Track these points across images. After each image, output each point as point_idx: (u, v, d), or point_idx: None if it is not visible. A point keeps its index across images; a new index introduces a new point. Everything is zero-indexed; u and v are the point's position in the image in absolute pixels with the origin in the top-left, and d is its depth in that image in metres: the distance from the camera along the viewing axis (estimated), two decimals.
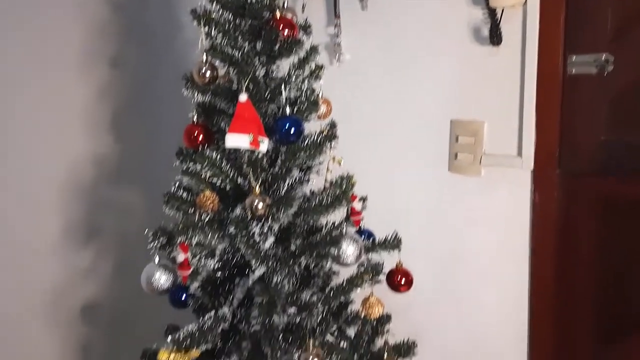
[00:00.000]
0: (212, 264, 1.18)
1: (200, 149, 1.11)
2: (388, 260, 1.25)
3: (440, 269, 1.56)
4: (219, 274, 1.19)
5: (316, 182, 1.21)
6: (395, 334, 1.31)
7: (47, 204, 1.58)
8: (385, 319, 1.27)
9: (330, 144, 1.15)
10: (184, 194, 1.14)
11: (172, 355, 1.04)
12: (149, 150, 1.73)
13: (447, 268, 1.55)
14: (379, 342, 1.28)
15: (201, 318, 1.10)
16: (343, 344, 1.22)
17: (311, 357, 1.05)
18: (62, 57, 1.57)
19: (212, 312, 1.13)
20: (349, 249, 1.12)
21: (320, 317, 1.13)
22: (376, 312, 1.17)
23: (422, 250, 1.54)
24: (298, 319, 1.09)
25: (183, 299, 1.23)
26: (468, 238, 1.52)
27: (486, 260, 1.50)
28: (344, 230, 1.14)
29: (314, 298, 1.10)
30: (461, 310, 1.55)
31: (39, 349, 1.59)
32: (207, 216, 1.11)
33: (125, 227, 1.70)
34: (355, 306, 1.30)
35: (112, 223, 1.69)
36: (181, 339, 1.05)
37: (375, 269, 1.19)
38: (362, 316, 1.26)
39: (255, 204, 1.07)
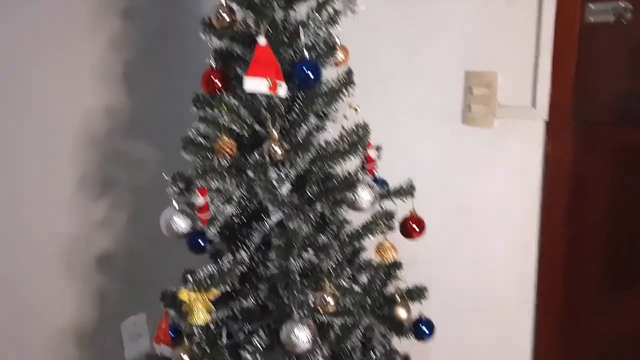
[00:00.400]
0: (229, 209, 1.20)
1: (218, 94, 1.11)
2: (400, 210, 1.28)
3: (451, 221, 1.58)
4: (236, 219, 1.22)
5: (332, 130, 1.22)
6: (405, 282, 1.34)
7: (61, 156, 1.59)
8: (397, 265, 1.29)
9: (347, 91, 1.16)
10: (202, 140, 1.16)
11: (193, 294, 1.07)
12: (162, 101, 1.74)
13: (457, 219, 1.58)
14: (391, 288, 1.31)
15: (220, 261, 1.13)
16: (356, 288, 1.25)
17: (327, 296, 1.08)
18: (73, 6, 1.55)
19: (230, 256, 1.16)
20: (364, 194, 1.14)
21: (335, 260, 1.15)
22: (390, 256, 1.20)
23: (432, 202, 1.56)
24: (315, 261, 1.12)
25: (201, 244, 1.27)
26: (479, 190, 1.53)
27: (497, 212, 1.52)
28: (360, 176, 1.16)
29: (331, 241, 1.13)
30: (470, 260, 1.58)
31: (57, 298, 1.63)
32: (225, 162, 1.12)
33: (139, 178, 1.72)
34: (367, 255, 1.33)
35: (126, 174, 1.70)
36: (201, 279, 1.08)
37: (389, 215, 1.21)
38: (375, 264, 1.30)
39: (273, 149, 1.08)
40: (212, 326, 1.18)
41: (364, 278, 1.31)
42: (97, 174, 1.66)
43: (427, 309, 1.30)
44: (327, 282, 1.09)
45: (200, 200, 1.10)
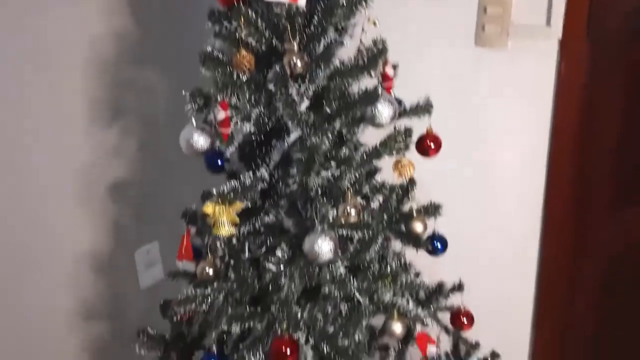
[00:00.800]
0: (248, 127, 1.20)
1: (235, 5, 1.09)
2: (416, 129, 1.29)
3: (461, 142, 1.59)
4: (255, 137, 1.22)
5: (350, 46, 1.21)
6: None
7: (69, 82, 1.57)
8: (413, 182, 1.31)
9: (366, 3, 1.14)
10: (220, 55, 1.14)
11: (217, 207, 1.09)
12: (172, 27, 1.70)
13: (468, 141, 1.59)
14: (406, 206, 1.34)
15: (241, 176, 1.14)
16: (373, 205, 1.28)
17: (349, 207, 1.11)
18: None
19: (250, 173, 1.17)
20: (384, 109, 1.15)
21: (356, 175, 1.17)
22: (408, 172, 1.22)
23: (444, 123, 1.57)
24: (335, 176, 1.13)
25: (220, 163, 1.28)
26: (490, 111, 1.54)
27: (507, 132, 1.54)
28: (380, 91, 1.16)
29: (352, 152, 1.14)
30: (479, 182, 1.62)
31: (71, 226, 1.65)
32: (244, 76, 1.11)
33: (148, 107, 1.71)
34: (383, 176, 1.35)
35: (136, 102, 1.69)
36: (225, 192, 1.09)
37: (408, 131, 1.22)
38: (390, 185, 1.32)
39: (294, 61, 1.07)
40: (234, 241, 1.20)
41: (380, 197, 1.34)
42: (107, 101, 1.64)
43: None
44: (349, 194, 1.11)
45: (221, 114, 1.10)
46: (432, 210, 1.30)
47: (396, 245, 1.37)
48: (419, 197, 1.36)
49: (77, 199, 1.64)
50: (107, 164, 1.68)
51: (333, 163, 1.12)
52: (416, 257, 1.36)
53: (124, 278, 1.79)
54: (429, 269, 1.41)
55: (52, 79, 1.52)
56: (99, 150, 1.65)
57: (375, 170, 1.37)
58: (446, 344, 1.50)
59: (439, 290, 1.40)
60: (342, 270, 1.18)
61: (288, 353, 1.10)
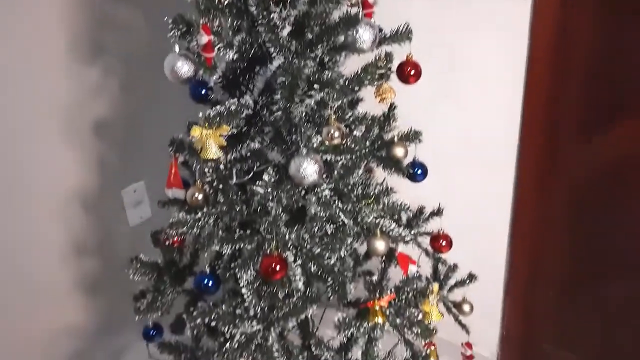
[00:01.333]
0: (231, 54, 1.21)
1: None
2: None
3: (438, 73, 1.62)
4: (238, 65, 1.24)
5: None
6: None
7: (47, 19, 1.55)
8: (393, 107, 1.35)
9: None
10: None
11: (204, 131, 1.11)
12: None
13: (445, 72, 1.63)
14: (388, 133, 1.38)
15: (227, 101, 1.17)
16: (356, 132, 1.32)
17: (333, 129, 1.14)
18: None
19: (235, 99, 1.20)
20: (364, 33, 1.16)
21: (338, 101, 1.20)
22: (389, 97, 1.25)
23: (421, 54, 1.61)
24: (320, 98, 1.16)
25: (204, 92, 1.29)
26: (467, 42, 1.57)
27: (482, 66, 1.58)
28: (361, 16, 1.17)
29: (334, 76, 1.17)
30: (455, 112, 1.67)
31: (58, 162, 1.66)
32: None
33: (129, 44, 1.70)
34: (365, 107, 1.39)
35: (116, 40, 1.68)
36: (211, 115, 1.12)
37: (388, 56, 1.25)
38: (372, 115, 1.36)
39: None
40: (221, 167, 1.24)
41: (362, 126, 1.38)
42: (88, 40, 1.63)
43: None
44: (332, 117, 1.14)
45: (204, 38, 1.11)
46: (412, 136, 1.34)
47: (379, 172, 1.43)
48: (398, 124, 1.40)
49: (61, 136, 1.65)
50: (90, 102, 1.68)
51: (316, 86, 1.14)
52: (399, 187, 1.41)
53: (112, 216, 1.83)
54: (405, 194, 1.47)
55: (31, 19, 1.49)
56: (80, 88, 1.65)
57: (357, 100, 1.40)
58: (427, 269, 1.59)
59: (419, 214, 1.47)
60: (326, 192, 1.23)
61: (277, 269, 1.16)
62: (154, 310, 1.39)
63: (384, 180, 1.43)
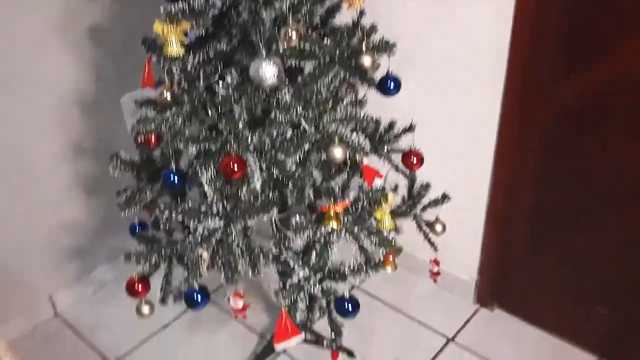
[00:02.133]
0: None
1: None
2: None
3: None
4: None
5: None
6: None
7: None
8: (362, 14, 1.33)
9: None
10: None
11: (166, 26, 1.14)
12: None
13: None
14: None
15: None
16: (326, 41, 1.32)
17: (291, 30, 1.15)
18: None
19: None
20: None
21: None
22: (358, 2, 1.23)
23: None
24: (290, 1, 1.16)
25: None
26: None
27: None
28: None
29: None
30: (448, 31, 1.63)
31: (54, 69, 1.74)
32: None
33: None
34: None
35: None
36: (173, 12, 1.14)
37: None
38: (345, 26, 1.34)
39: None
40: (189, 68, 1.27)
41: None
42: None
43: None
44: (289, 16, 1.15)
45: None
46: (383, 46, 1.32)
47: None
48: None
49: (57, 43, 1.72)
50: (85, 8, 1.73)
51: None
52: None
53: (111, 122, 1.92)
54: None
55: None
56: None
57: (333, 9, 1.39)
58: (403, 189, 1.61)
59: (389, 129, 1.48)
60: (287, 97, 1.25)
61: (235, 169, 1.21)
62: (133, 205, 1.48)
63: (358, 93, 1.44)
